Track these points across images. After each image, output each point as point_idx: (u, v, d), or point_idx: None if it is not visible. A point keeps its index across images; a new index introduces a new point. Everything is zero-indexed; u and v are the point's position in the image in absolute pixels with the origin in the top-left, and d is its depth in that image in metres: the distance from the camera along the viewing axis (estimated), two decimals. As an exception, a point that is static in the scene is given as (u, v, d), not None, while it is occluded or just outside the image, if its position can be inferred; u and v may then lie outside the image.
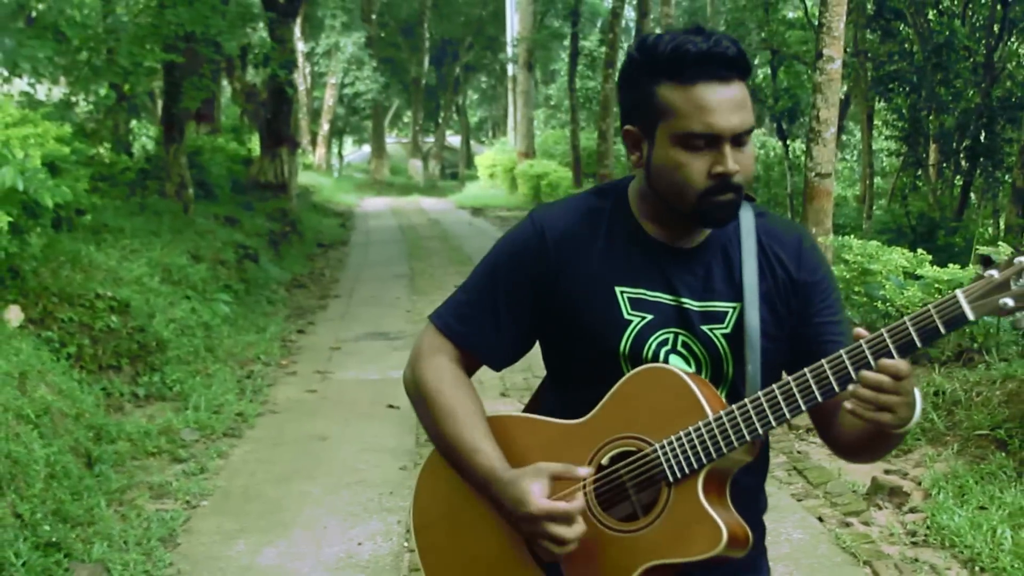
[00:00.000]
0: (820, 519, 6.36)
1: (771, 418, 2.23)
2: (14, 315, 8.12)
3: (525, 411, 2.63)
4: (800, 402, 2.21)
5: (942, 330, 2.09)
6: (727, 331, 2.39)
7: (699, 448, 2.25)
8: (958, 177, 19.68)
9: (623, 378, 2.34)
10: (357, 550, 5.85)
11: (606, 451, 2.34)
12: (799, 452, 7.61)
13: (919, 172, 20.62)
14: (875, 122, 23.30)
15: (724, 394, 2.39)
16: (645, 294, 2.39)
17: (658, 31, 25.11)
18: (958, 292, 2.09)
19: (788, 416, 2.22)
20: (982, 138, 18.94)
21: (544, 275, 2.43)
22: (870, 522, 6.35)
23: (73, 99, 13.42)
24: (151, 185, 15.58)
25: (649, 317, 2.38)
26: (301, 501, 6.72)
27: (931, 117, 19.65)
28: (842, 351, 2.16)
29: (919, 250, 10.59)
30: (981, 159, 19.02)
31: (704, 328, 2.38)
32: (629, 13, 32.51)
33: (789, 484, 7.00)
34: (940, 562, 5.73)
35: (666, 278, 2.39)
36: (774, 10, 23.54)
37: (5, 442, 5.82)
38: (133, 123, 19.59)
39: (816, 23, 12.03)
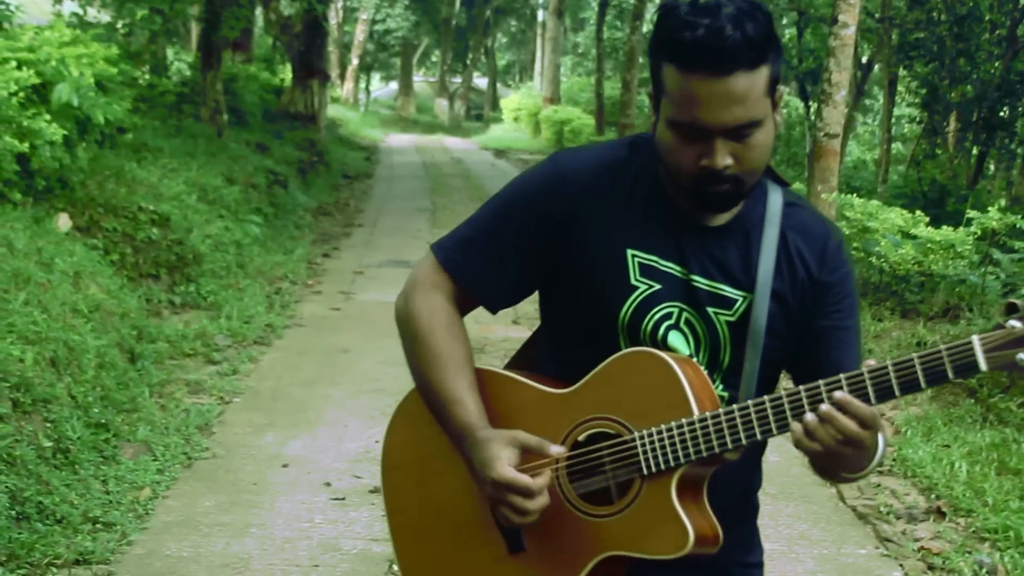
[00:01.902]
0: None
1: (757, 431, 2.11)
2: (63, 222, 8.71)
3: (515, 358, 2.60)
4: (790, 420, 2.08)
5: (950, 375, 1.96)
6: (732, 319, 2.26)
7: (679, 446, 2.15)
8: (976, 147, 20.02)
9: (614, 356, 2.22)
10: (374, 447, 6.45)
11: (585, 428, 2.24)
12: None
13: (938, 140, 20.99)
14: (898, 88, 23.55)
15: (718, 381, 2.29)
16: (657, 262, 2.26)
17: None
18: (974, 338, 1.93)
19: (775, 432, 2.11)
20: (1001, 111, 19.28)
21: (558, 222, 2.29)
22: (842, 452, 6.95)
23: (120, 23, 13.94)
24: (187, 109, 16.09)
25: (657, 287, 2.25)
26: (324, 403, 7.35)
27: (950, 86, 19.98)
28: (842, 376, 2.04)
29: (916, 211, 11.11)
30: (998, 131, 19.38)
31: (710, 310, 2.26)
32: (661, -34, 32.68)
33: (772, 415, 7.59)
34: (900, 488, 6.34)
35: (680, 250, 2.26)
36: (806, -31, 23.85)
37: (63, 331, 6.45)
38: (169, 49, 20.09)
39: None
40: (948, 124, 20.93)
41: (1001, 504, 5.89)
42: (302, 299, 10.53)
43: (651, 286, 2.25)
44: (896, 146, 29.07)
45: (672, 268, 2.25)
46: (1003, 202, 12.04)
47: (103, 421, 6.15)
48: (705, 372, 2.24)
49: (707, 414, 2.14)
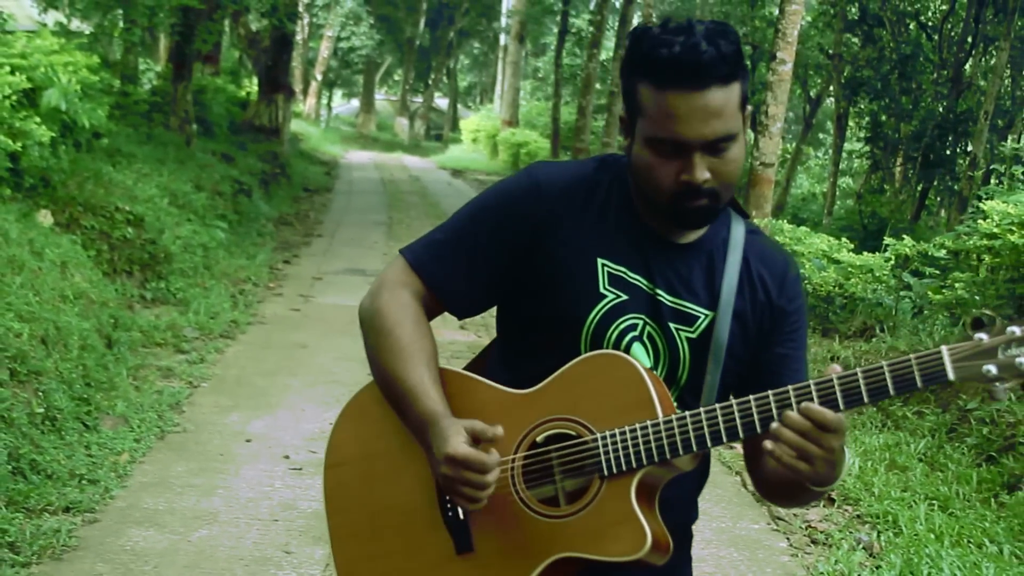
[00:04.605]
0: (710, 441, 7.71)
1: (723, 433, 2.13)
2: (45, 219, 9.37)
3: (468, 368, 2.53)
4: (756, 423, 2.10)
5: (919, 383, 1.98)
6: (693, 336, 2.29)
7: (642, 448, 2.15)
8: (922, 183, 20.86)
9: (578, 358, 2.24)
10: (330, 428, 7.12)
11: (543, 429, 2.24)
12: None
13: (884, 175, 21.85)
14: (849, 124, 24.37)
15: (674, 398, 2.28)
16: (626, 273, 2.29)
17: (638, 17, 25.54)
18: (944, 349, 1.97)
19: (741, 435, 2.12)
20: (943, 148, 20.14)
21: (531, 228, 2.31)
22: (751, 448, 7.72)
23: (98, 34, 14.60)
24: (157, 118, 16.70)
25: (624, 297, 2.28)
26: (284, 391, 8.05)
27: (894, 123, 20.82)
28: (811, 382, 2.06)
29: (843, 238, 12.01)
30: (937, 169, 20.24)
31: (672, 326, 2.29)
32: (621, -4, 33.56)
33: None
34: (798, 479, 7.10)
35: (647, 265, 2.30)
36: (759, 6, 24.66)
37: (53, 313, 7.14)
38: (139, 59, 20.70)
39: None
40: (896, 160, 21.75)
41: (885, 495, 6.65)
42: (264, 300, 11.26)
43: (619, 296, 2.27)
44: (847, 180, 30.03)
45: (640, 281, 2.28)
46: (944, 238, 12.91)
47: (85, 396, 6.83)
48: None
49: (672, 416, 2.16)
